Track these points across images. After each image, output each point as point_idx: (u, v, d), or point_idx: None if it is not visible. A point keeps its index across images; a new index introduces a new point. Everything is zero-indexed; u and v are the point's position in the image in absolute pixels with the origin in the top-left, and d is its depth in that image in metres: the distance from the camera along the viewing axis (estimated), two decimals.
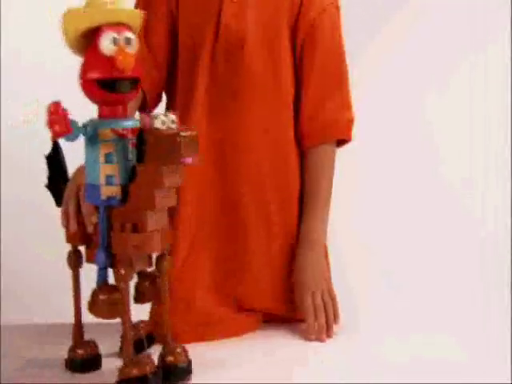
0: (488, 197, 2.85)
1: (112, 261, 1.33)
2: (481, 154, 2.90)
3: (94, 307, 1.35)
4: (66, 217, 1.42)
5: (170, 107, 1.75)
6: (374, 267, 2.63)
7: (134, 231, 1.29)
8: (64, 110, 1.28)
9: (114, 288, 1.34)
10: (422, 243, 2.72)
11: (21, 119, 2.79)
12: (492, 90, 2.91)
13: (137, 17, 1.36)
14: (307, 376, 1.41)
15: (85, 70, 1.32)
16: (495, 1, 2.90)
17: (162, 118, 1.29)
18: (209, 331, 1.58)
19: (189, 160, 1.25)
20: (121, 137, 1.31)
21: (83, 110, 2.63)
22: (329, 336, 1.62)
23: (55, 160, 1.44)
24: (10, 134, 2.82)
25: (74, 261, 1.43)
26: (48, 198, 2.71)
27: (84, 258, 1.43)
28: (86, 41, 1.32)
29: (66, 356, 1.45)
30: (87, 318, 1.63)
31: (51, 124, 1.27)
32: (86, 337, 1.47)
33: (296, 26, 1.70)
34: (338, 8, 1.75)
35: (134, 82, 1.32)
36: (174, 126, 1.30)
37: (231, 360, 1.46)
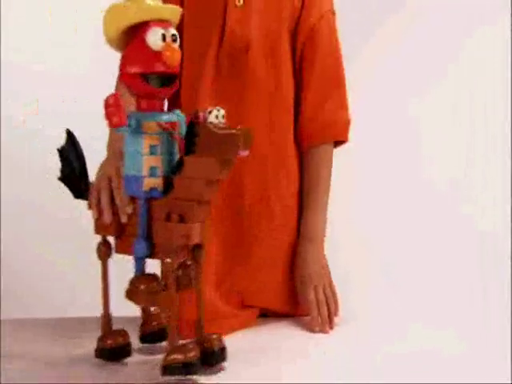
0: (487, 191, 2.86)
1: (151, 251, 1.36)
2: (479, 152, 2.91)
3: (133, 296, 1.37)
4: (97, 208, 1.43)
5: (172, 109, 1.76)
6: (373, 261, 2.64)
7: (180, 222, 1.32)
8: (121, 103, 1.30)
9: (153, 277, 1.37)
10: (421, 238, 2.73)
11: (21, 119, 2.79)
12: (490, 91, 2.92)
13: (178, 14, 1.39)
14: (311, 367, 1.43)
15: (128, 63, 1.34)
16: (491, 4, 2.91)
17: (216, 112, 1.32)
18: (214, 327, 1.59)
19: (244, 153, 1.28)
20: (165, 130, 1.34)
21: (82, 108, 2.65)
22: (331, 328, 1.67)
23: (70, 152, 1.45)
24: (10, 134, 2.83)
25: (104, 252, 1.44)
26: (47, 197, 2.71)
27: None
28: (124, 35, 1.34)
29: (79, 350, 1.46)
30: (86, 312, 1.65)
31: (109, 115, 1.29)
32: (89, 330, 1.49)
33: (296, 31, 1.74)
34: (334, 14, 1.80)
35: (173, 78, 1.35)
36: (223, 120, 1.32)
37: (241, 352, 1.47)
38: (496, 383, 1.33)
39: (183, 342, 1.34)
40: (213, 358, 1.38)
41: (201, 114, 1.32)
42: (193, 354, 1.32)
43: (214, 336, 1.40)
